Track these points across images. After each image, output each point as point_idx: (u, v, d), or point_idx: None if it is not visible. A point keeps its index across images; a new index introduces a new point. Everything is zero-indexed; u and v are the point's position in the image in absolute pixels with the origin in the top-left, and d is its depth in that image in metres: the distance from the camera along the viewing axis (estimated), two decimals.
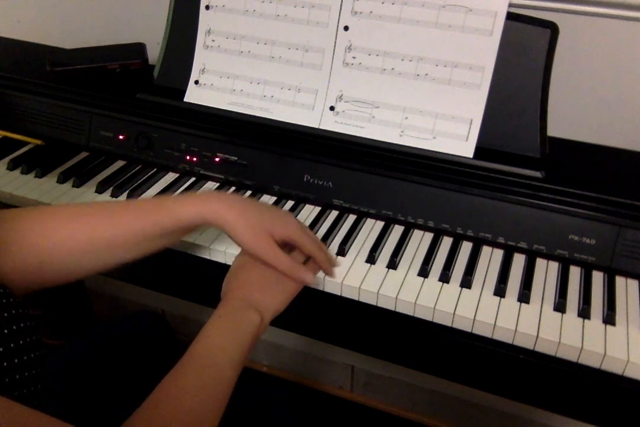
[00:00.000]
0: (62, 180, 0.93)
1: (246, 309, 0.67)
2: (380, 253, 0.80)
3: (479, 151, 0.81)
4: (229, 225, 0.69)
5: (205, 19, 0.91)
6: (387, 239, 0.82)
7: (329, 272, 0.76)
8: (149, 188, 0.92)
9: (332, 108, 0.87)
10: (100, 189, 0.91)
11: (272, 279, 0.71)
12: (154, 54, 0.99)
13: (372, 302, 0.74)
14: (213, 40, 0.92)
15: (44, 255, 0.63)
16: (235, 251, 0.78)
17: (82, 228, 0.66)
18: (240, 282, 0.71)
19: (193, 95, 0.94)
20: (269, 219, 0.71)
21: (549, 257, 0.79)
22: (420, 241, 0.82)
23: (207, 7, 0.91)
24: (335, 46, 0.85)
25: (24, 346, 0.52)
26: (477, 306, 0.71)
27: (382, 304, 0.74)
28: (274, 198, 0.90)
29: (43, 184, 0.92)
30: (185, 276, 0.87)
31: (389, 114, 0.84)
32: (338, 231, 0.84)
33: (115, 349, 0.91)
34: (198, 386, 0.58)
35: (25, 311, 0.54)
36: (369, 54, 0.84)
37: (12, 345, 0.50)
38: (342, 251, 0.79)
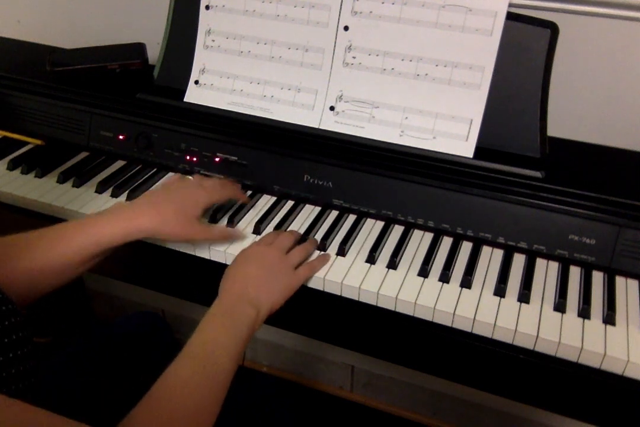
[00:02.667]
0: (62, 180, 0.93)
1: (241, 304, 0.67)
2: (380, 253, 0.80)
3: (479, 151, 0.81)
4: (152, 234, 0.73)
5: (205, 19, 0.91)
6: (387, 239, 0.82)
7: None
8: (149, 188, 0.92)
9: (332, 108, 0.87)
10: (100, 189, 0.91)
11: (268, 277, 0.71)
12: (154, 54, 0.99)
13: (372, 302, 0.74)
14: (213, 40, 0.92)
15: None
16: (235, 251, 0.78)
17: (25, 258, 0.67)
18: (237, 279, 0.71)
19: (193, 95, 0.94)
20: (182, 204, 0.75)
21: (549, 257, 0.79)
22: (420, 241, 0.82)
23: (207, 7, 0.91)
24: (335, 46, 0.85)
25: (16, 341, 0.52)
26: (477, 306, 0.71)
27: (382, 304, 0.74)
28: (274, 198, 0.90)
29: (43, 184, 0.92)
30: (185, 275, 0.87)
31: (389, 114, 0.84)
32: (338, 231, 0.84)
33: (115, 349, 0.91)
34: (197, 380, 0.58)
35: (14, 307, 0.54)
36: (369, 54, 0.84)
37: (5, 340, 0.51)
38: (342, 251, 0.79)
